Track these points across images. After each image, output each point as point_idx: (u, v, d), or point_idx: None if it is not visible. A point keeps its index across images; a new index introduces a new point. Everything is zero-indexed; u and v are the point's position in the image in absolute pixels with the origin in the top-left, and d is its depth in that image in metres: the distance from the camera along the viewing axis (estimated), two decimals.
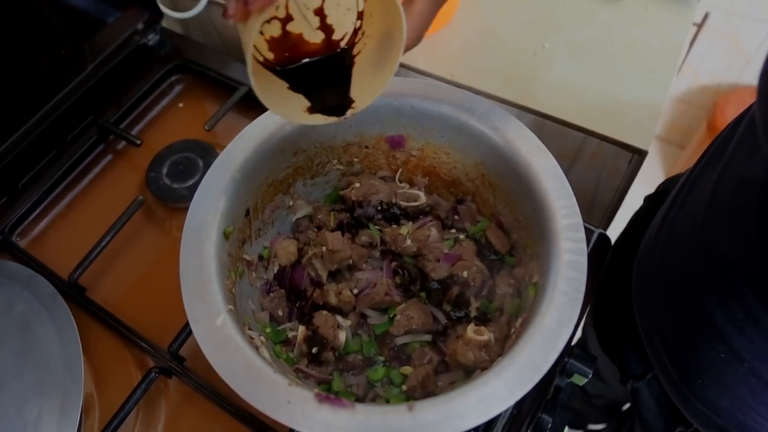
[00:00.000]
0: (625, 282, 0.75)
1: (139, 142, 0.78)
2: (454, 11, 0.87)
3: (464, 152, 0.59)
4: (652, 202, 0.79)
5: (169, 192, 0.74)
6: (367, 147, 0.62)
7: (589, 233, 0.68)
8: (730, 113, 1.65)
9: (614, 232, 0.79)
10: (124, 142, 0.81)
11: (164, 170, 0.76)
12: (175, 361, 0.62)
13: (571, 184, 0.52)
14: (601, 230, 0.68)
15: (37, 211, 0.76)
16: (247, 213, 0.57)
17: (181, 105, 0.85)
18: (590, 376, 0.69)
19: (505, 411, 0.59)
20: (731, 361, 0.51)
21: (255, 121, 0.57)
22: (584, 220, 0.66)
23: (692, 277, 0.54)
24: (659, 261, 0.61)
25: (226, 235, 0.53)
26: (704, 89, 1.78)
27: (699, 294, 0.53)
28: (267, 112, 0.57)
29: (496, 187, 0.58)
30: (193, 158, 0.76)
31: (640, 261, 0.68)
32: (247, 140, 0.55)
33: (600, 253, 0.67)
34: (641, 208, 0.83)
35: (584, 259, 0.48)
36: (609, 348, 0.87)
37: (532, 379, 0.43)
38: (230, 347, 0.45)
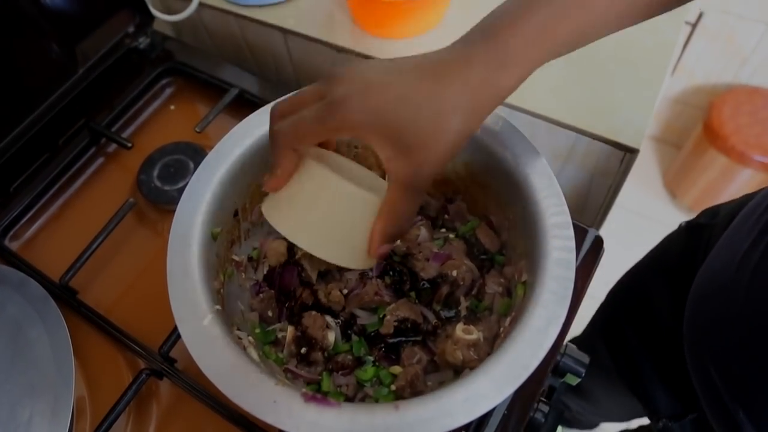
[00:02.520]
0: (660, 311, 0.73)
1: (129, 144, 0.78)
2: (444, 12, 0.87)
3: None
4: (693, 231, 0.77)
5: (160, 194, 0.74)
6: (356, 147, 0.61)
7: (583, 233, 0.68)
8: (726, 113, 1.65)
9: (607, 232, 0.79)
10: (115, 145, 0.81)
11: (155, 173, 0.76)
12: (166, 363, 0.61)
13: (563, 184, 0.52)
14: (596, 231, 0.68)
15: (29, 215, 0.76)
16: (236, 214, 0.57)
17: (172, 107, 0.85)
18: (583, 375, 0.68)
19: (497, 411, 0.59)
20: None
21: (243, 121, 0.57)
22: (578, 220, 0.67)
23: None
24: (742, 306, 0.58)
25: (213, 236, 0.52)
26: (700, 89, 1.78)
27: None
28: (256, 112, 0.57)
29: (485, 186, 0.58)
30: (184, 160, 0.76)
31: (707, 300, 0.65)
32: (234, 140, 0.55)
33: (591, 251, 0.67)
34: (678, 234, 0.82)
35: (572, 257, 0.48)
36: (631, 381, 0.86)
37: (520, 377, 0.43)
38: (217, 347, 0.45)
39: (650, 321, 0.80)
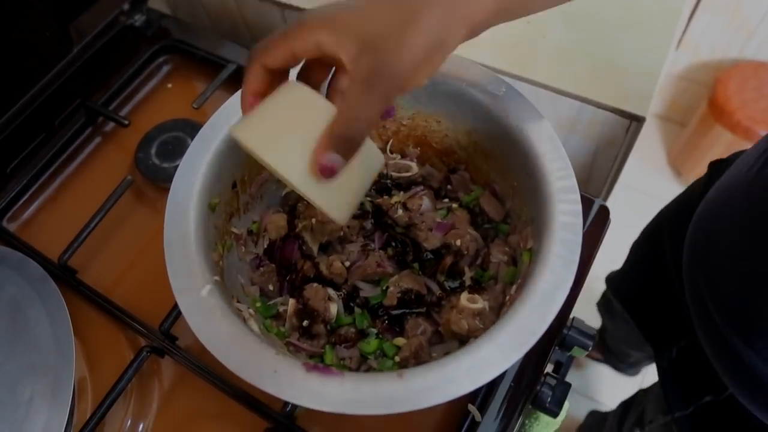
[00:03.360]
0: (673, 248, 0.74)
1: (126, 122, 0.76)
2: None
3: (455, 119, 0.57)
4: (718, 166, 0.78)
5: (158, 172, 0.73)
6: None
7: (589, 203, 0.66)
8: (731, 89, 1.63)
9: (612, 209, 0.77)
10: (112, 124, 0.80)
11: (153, 150, 0.74)
12: (167, 340, 0.61)
13: (569, 154, 0.50)
14: (602, 201, 0.67)
15: (27, 196, 0.75)
16: (234, 186, 0.55)
17: (169, 85, 0.84)
18: (590, 348, 0.68)
19: (504, 383, 0.58)
20: None
21: (238, 92, 0.55)
22: (584, 191, 0.65)
23: None
24: (734, 222, 0.60)
25: (211, 207, 0.51)
26: (705, 65, 1.76)
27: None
28: None
29: (488, 154, 0.57)
30: (182, 137, 0.75)
31: (702, 218, 0.67)
32: (230, 111, 0.54)
33: (597, 221, 0.65)
34: (704, 176, 0.82)
35: (579, 221, 0.47)
36: (639, 317, 0.91)
37: (528, 342, 0.42)
38: (215, 318, 0.44)
39: (667, 263, 0.80)
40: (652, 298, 0.87)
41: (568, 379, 0.65)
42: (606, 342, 1.40)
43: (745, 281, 0.56)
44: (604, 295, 1.30)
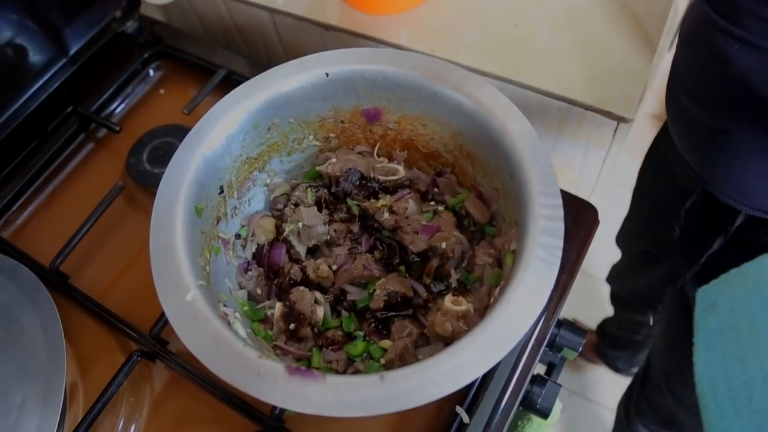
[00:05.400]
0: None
1: (118, 128, 0.77)
2: None
3: (441, 123, 0.58)
4: None
5: (149, 177, 0.73)
6: (343, 122, 0.60)
7: (577, 205, 0.66)
8: None
9: (610, 210, 0.77)
10: (104, 130, 0.80)
11: (144, 156, 0.75)
12: (158, 344, 0.61)
13: (557, 156, 0.51)
14: (590, 202, 0.67)
15: (20, 202, 0.76)
16: (221, 190, 0.56)
17: (161, 91, 0.85)
18: (580, 350, 0.68)
19: (493, 385, 0.58)
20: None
21: (225, 97, 0.56)
22: (573, 193, 0.65)
23: (709, 26, 0.60)
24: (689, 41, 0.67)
25: (198, 212, 0.52)
26: None
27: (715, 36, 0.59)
28: (237, 88, 0.56)
29: (474, 157, 0.57)
30: (173, 143, 0.76)
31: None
32: (216, 116, 0.55)
33: (585, 222, 0.65)
34: None
35: (560, 223, 0.47)
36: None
37: (508, 344, 0.42)
38: (200, 322, 0.44)
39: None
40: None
41: (568, 382, 0.66)
42: (606, 331, 1.40)
43: (701, 70, 0.64)
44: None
